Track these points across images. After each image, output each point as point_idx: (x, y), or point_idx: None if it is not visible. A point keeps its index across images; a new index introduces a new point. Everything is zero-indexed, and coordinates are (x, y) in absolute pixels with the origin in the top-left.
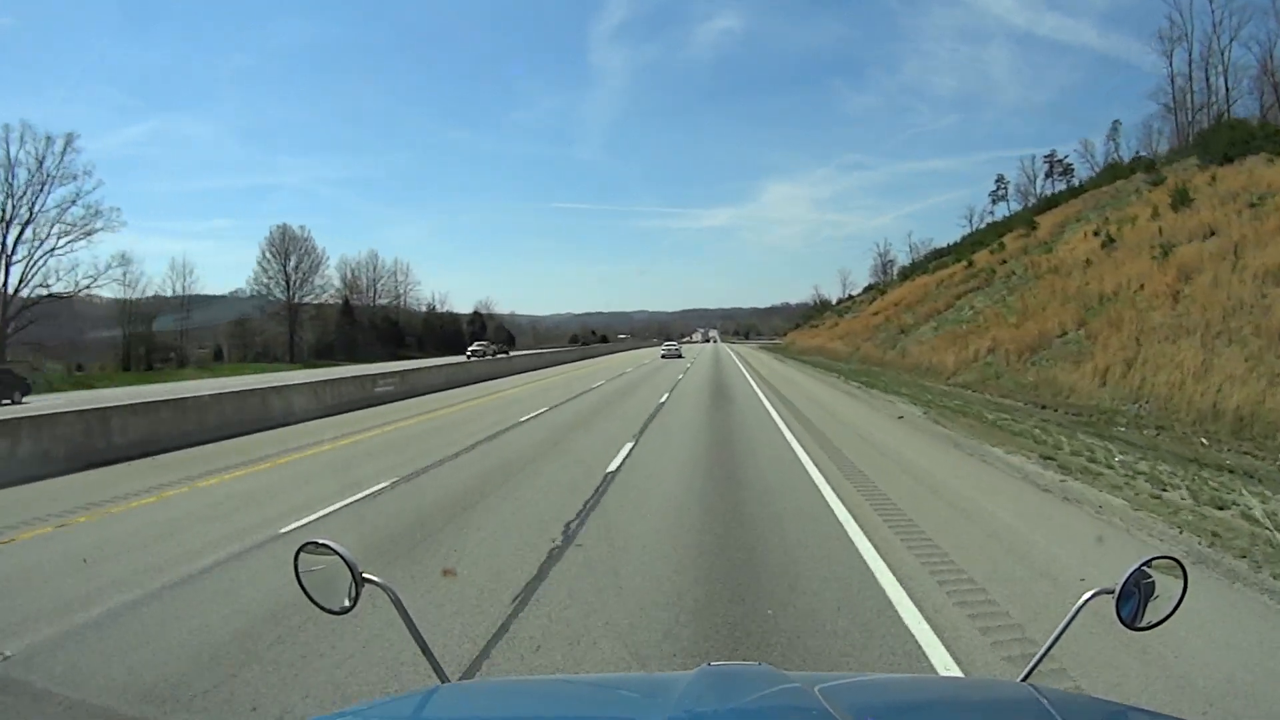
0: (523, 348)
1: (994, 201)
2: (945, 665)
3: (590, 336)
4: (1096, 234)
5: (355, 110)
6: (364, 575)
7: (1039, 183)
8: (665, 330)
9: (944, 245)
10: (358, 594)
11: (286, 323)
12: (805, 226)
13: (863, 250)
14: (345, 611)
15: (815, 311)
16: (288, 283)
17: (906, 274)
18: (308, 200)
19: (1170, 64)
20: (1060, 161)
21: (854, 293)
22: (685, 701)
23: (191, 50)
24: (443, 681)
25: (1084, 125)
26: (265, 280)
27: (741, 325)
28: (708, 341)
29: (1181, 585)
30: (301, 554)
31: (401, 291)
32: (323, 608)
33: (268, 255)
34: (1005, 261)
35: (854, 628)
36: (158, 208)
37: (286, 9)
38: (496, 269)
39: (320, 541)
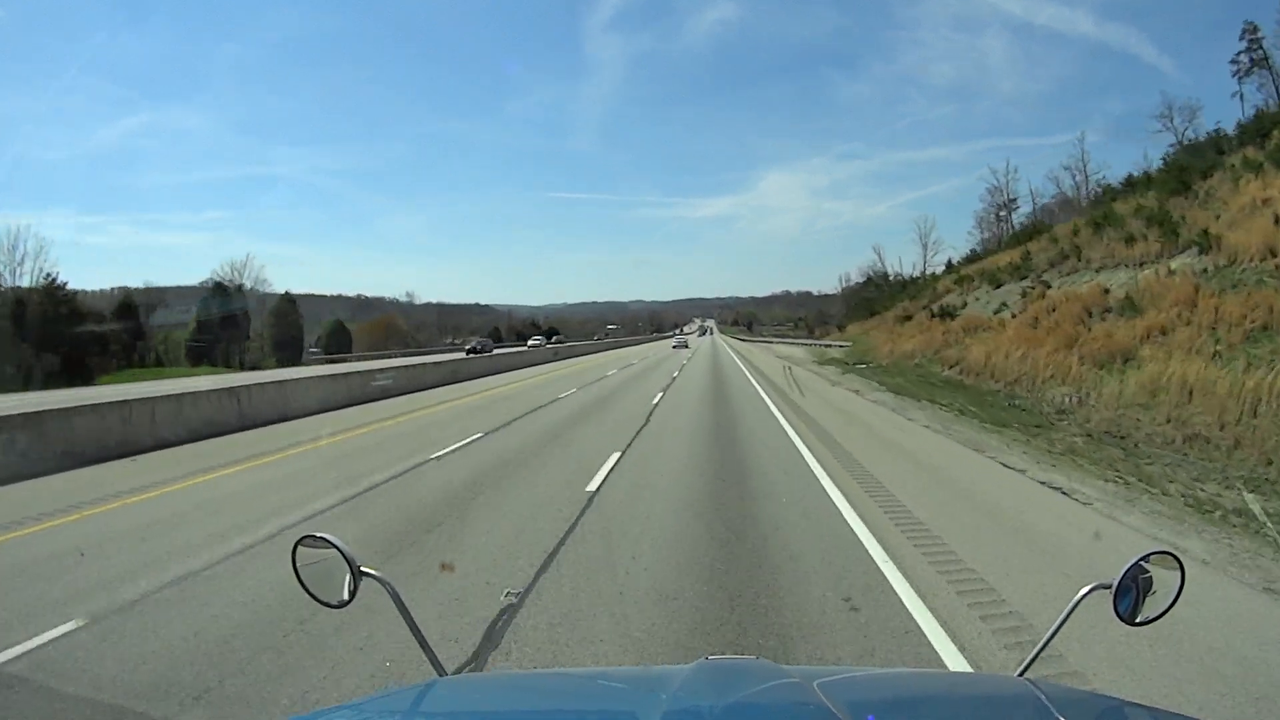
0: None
1: (1241, 75)
2: None
3: (532, 329)
4: None
5: (351, 102)
6: (362, 569)
7: None
8: (658, 320)
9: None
10: (356, 588)
11: None
12: (802, 215)
13: (859, 239)
14: (343, 605)
15: (892, 291)
16: None
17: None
18: (304, 192)
19: None
20: None
21: (949, 257)
22: (683, 695)
23: (187, 42)
24: (440, 675)
25: (1081, 116)
26: None
27: (741, 315)
28: (704, 334)
29: (1179, 579)
30: (299, 547)
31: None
32: (321, 601)
33: None
34: None
35: None
36: (154, 200)
37: (281, 1)
38: (490, 259)
39: (318, 535)
